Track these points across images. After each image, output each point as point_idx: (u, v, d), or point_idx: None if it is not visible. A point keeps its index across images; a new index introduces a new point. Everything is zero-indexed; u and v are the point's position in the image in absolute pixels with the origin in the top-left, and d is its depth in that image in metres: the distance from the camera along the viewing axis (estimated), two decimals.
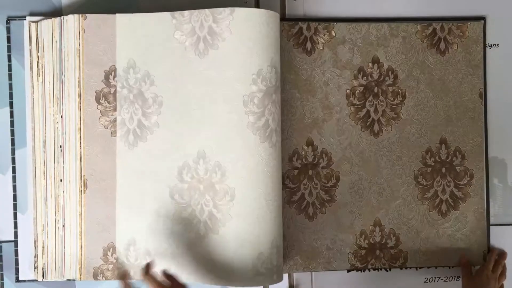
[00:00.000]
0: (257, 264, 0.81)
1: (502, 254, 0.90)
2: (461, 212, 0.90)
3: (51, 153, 0.86)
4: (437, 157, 0.90)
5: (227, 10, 0.80)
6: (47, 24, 0.86)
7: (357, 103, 0.90)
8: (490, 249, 0.91)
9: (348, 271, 0.90)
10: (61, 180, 0.86)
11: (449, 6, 0.91)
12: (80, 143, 0.85)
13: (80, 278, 0.85)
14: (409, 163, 0.90)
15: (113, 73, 0.84)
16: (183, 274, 0.82)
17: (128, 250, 0.84)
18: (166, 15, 0.83)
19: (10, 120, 0.88)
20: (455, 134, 0.90)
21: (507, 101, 0.92)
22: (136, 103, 0.84)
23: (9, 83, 0.88)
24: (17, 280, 0.88)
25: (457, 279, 0.91)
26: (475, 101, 0.91)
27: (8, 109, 0.88)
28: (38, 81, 0.86)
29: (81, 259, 0.85)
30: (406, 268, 0.90)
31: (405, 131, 0.90)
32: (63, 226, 0.85)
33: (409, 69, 0.90)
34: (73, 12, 0.86)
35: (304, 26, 0.89)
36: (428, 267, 0.91)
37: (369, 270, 0.90)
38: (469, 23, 0.91)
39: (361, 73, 0.90)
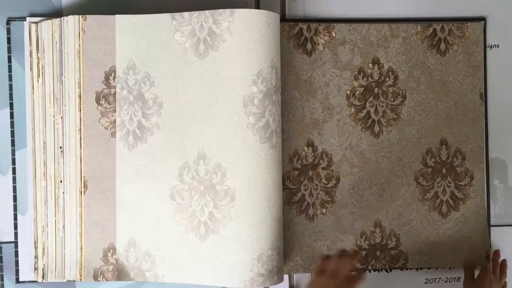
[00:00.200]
0: (257, 265, 0.81)
1: (496, 253, 0.90)
2: (461, 213, 0.90)
3: (51, 154, 0.86)
4: (437, 158, 0.90)
5: (227, 11, 0.80)
6: (47, 25, 0.86)
7: (358, 104, 0.90)
8: (488, 250, 0.91)
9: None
10: (61, 181, 0.86)
11: (449, 6, 0.91)
12: (80, 144, 0.85)
13: (80, 279, 0.85)
14: (409, 164, 0.90)
15: (113, 74, 0.84)
16: (183, 274, 0.82)
17: (128, 251, 0.84)
18: (166, 16, 0.83)
19: (10, 121, 0.88)
20: (455, 135, 0.90)
21: (508, 101, 0.92)
22: (136, 104, 0.84)
23: (9, 84, 0.88)
24: (17, 281, 0.88)
25: (458, 280, 0.91)
26: (476, 101, 0.91)
27: (8, 110, 0.88)
28: (38, 82, 0.86)
29: (81, 260, 0.85)
30: (406, 269, 0.90)
31: (405, 131, 0.90)
32: (63, 227, 0.85)
33: (410, 69, 0.90)
34: (73, 13, 0.86)
35: (305, 27, 0.89)
36: (429, 268, 0.91)
37: (370, 271, 0.90)
38: (469, 24, 0.91)
39: (362, 74, 0.90)
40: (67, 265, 0.85)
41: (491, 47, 0.92)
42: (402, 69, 0.90)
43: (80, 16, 0.84)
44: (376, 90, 0.90)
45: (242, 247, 0.81)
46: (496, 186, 0.92)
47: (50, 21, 0.86)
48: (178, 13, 0.82)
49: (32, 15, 0.88)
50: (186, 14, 0.82)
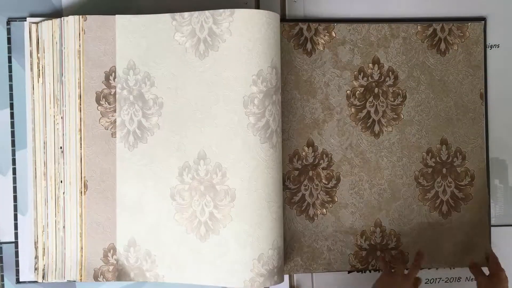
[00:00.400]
0: (258, 265, 0.80)
1: (489, 254, 0.89)
2: (462, 213, 0.90)
3: (52, 154, 0.86)
4: (437, 158, 0.90)
5: (227, 11, 0.80)
6: (47, 25, 0.86)
7: (358, 103, 0.90)
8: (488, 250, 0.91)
9: (349, 272, 0.90)
10: (61, 181, 0.86)
11: (450, 6, 0.91)
12: (81, 144, 0.85)
13: (81, 279, 0.85)
14: (409, 164, 0.90)
15: (113, 74, 0.84)
16: (183, 275, 0.82)
17: (129, 251, 0.84)
18: (166, 16, 0.83)
19: (11, 121, 0.88)
20: (455, 134, 0.90)
21: (508, 101, 0.92)
22: (136, 104, 0.84)
23: (9, 84, 0.88)
24: (18, 281, 0.88)
25: (458, 280, 0.91)
26: (476, 101, 0.91)
27: (8, 110, 0.88)
28: (38, 82, 0.86)
29: (82, 260, 0.85)
30: (406, 269, 0.90)
31: (405, 131, 0.90)
32: (64, 227, 0.85)
33: (410, 69, 0.90)
34: (73, 13, 0.86)
35: (305, 27, 0.89)
36: (429, 268, 0.91)
37: (370, 271, 0.90)
38: (469, 24, 0.91)
39: (362, 74, 0.90)
40: (67, 265, 0.85)
41: (491, 47, 0.92)
42: (402, 69, 0.90)
43: (80, 16, 0.84)
44: (376, 90, 0.90)
45: (242, 247, 0.81)
46: (496, 186, 0.92)
47: (50, 21, 0.86)
48: (178, 13, 0.82)
49: (32, 15, 0.88)
50: (186, 14, 0.82)
